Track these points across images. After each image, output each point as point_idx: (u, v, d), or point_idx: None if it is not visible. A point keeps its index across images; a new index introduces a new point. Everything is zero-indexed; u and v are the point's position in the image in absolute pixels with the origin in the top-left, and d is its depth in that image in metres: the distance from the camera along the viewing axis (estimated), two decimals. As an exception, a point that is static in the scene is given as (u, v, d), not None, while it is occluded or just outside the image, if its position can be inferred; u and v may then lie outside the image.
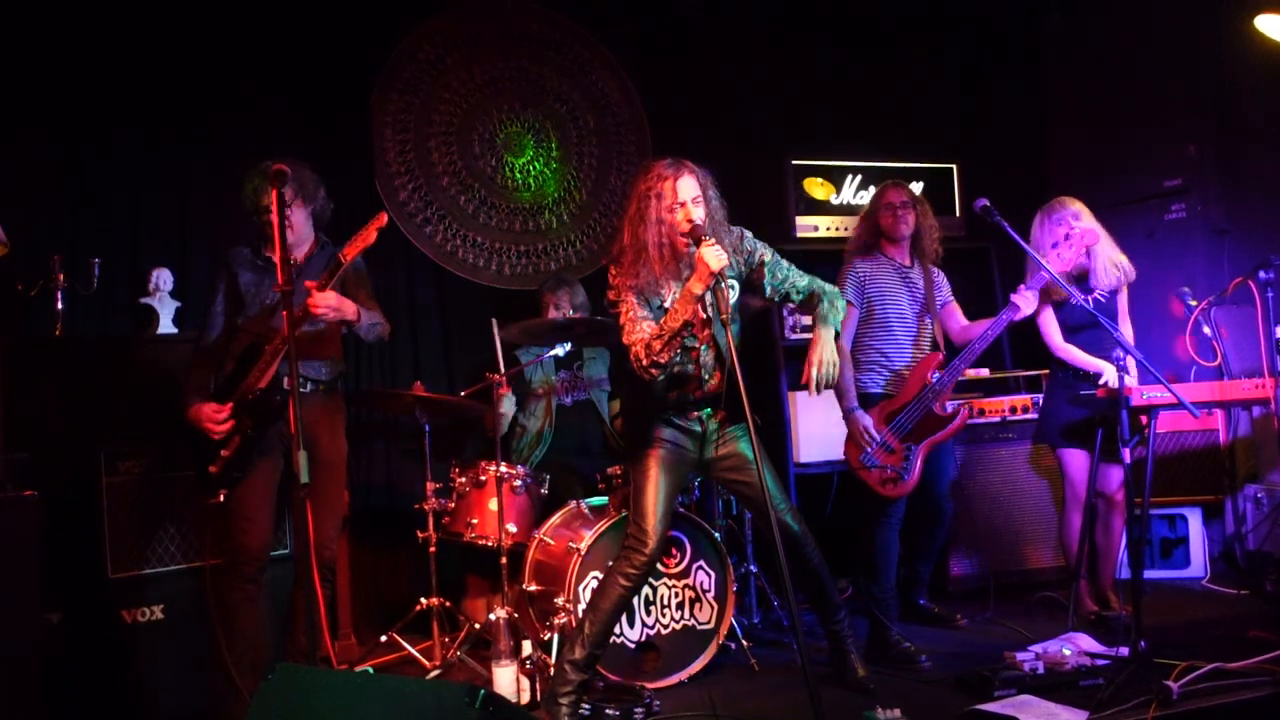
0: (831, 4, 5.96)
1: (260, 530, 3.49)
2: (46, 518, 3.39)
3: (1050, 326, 4.37)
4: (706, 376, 3.48)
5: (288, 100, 4.90)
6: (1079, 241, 4.19)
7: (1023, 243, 3.84)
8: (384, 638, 4.25)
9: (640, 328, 3.33)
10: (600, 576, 3.92)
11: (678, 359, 3.42)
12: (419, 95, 5.27)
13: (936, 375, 4.19)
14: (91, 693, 3.60)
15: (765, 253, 3.52)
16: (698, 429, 3.53)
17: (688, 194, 3.33)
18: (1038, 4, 6.18)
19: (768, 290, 3.54)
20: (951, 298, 4.47)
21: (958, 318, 4.45)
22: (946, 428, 4.17)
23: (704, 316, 3.33)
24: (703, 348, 3.45)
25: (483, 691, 2.06)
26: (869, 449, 4.16)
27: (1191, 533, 5.11)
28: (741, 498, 3.86)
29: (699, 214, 3.33)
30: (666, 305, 3.39)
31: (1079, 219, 4.28)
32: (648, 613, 3.91)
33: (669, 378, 3.45)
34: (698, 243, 3.22)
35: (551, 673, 3.66)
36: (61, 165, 4.50)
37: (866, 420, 4.20)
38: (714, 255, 3.17)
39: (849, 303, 4.26)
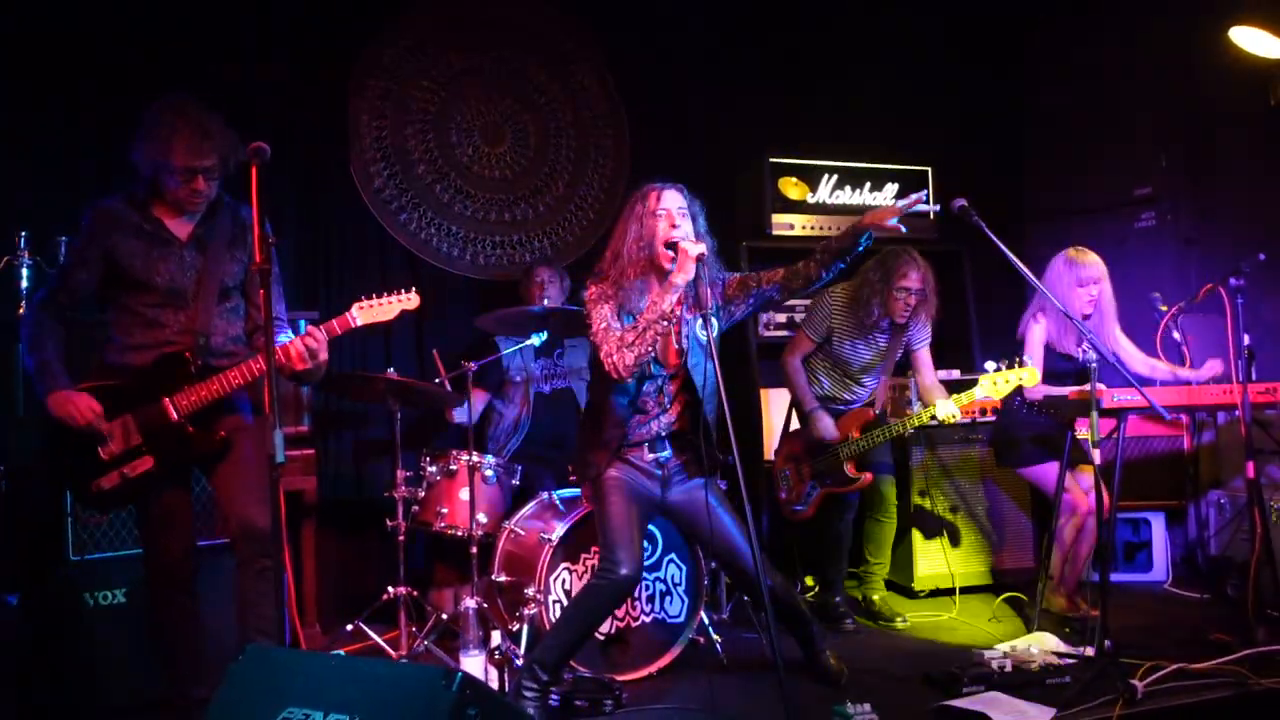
0: (811, 5, 5.97)
1: (184, 532, 3.19)
2: (9, 498, 3.34)
3: (1036, 358, 4.32)
4: (667, 404, 3.45)
5: (265, 83, 4.84)
6: (1093, 305, 4.32)
7: (1000, 245, 3.85)
8: (350, 626, 4.19)
9: (612, 334, 3.30)
10: (570, 568, 3.91)
11: (643, 386, 3.39)
12: (397, 81, 5.22)
13: (856, 436, 4.38)
14: (51, 675, 3.52)
15: (738, 278, 3.49)
16: (656, 471, 3.49)
17: (671, 204, 3.35)
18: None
19: (753, 301, 3.47)
20: (924, 346, 4.52)
21: (925, 372, 4.52)
22: (846, 486, 4.42)
23: (678, 347, 3.35)
24: (666, 376, 3.43)
25: (459, 674, 2.04)
26: (785, 472, 4.57)
27: (1154, 537, 5.17)
28: (702, 545, 3.79)
29: (685, 226, 3.33)
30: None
31: (1099, 283, 4.32)
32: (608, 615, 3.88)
33: (627, 408, 3.41)
34: (675, 249, 3.22)
35: (519, 664, 3.65)
36: (29, 141, 4.42)
37: (828, 420, 4.44)
38: (691, 244, 3.18)
39: (807, 335, 4.52)
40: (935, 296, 4.42)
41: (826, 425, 4.41)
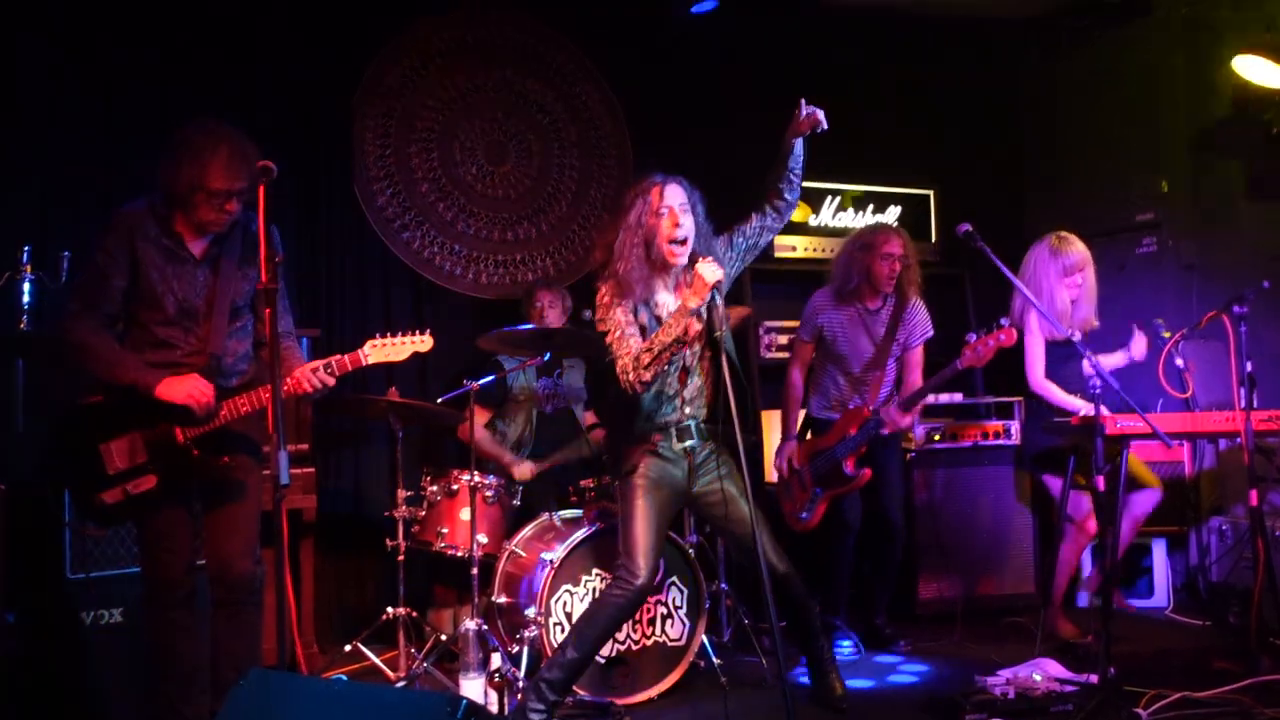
0: (814, 29, 5.99)
1: (183, 550, 3.14)
2: (7, 514, 3.32)
3: (1036, 358, 4.39)
4: (692, 395, 3.45)
5: (268, 100, 4.84)
6: (1080, 290, 4.36)
7: (1005, 269, 3.87)
8: (348, 647, 4.16)
9: (627, 344, 3.30)
10: (572, 590, 3.89)
11: (667, 371, 3.39)
12: (401, 100, 5.23)
13: (853, 433, 4.35)
14: (47, 695, 3.49)
15: (724, 238, 3.52)
16: (684, 460, 3.48)
17: (675, 200, 3.34)
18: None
19: (743, 251, 3.52)
20: (920, 342, 4.51)
21: (912, 370, 4.50)
22: (847, 485, 4.37)
23: (698, 329, 3.31)
24: (692, 357, 3.42)
25: (465, 701, 2.02)
26: (787, 483, 4.54)
27: (1156, 563, 5.15)
28: (725, 534, 3.80)
29: (687, 222, 3.33)
30: (659, 313, 3.38)
31: (1085, 270, 4.35)
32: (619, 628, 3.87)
33: (654, 398, 3.41)
34: (693, 262, 3.23)
35: (521, 685, 3.62)
36: (32, 155, 4.42)
37: (788, 452, 4.53)
38: (710, 270, 3.18)
39: (801, 340, 4.56)
40: (918, 266, 4.46)
41: (786, 455, 4.55)
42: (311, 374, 3.12)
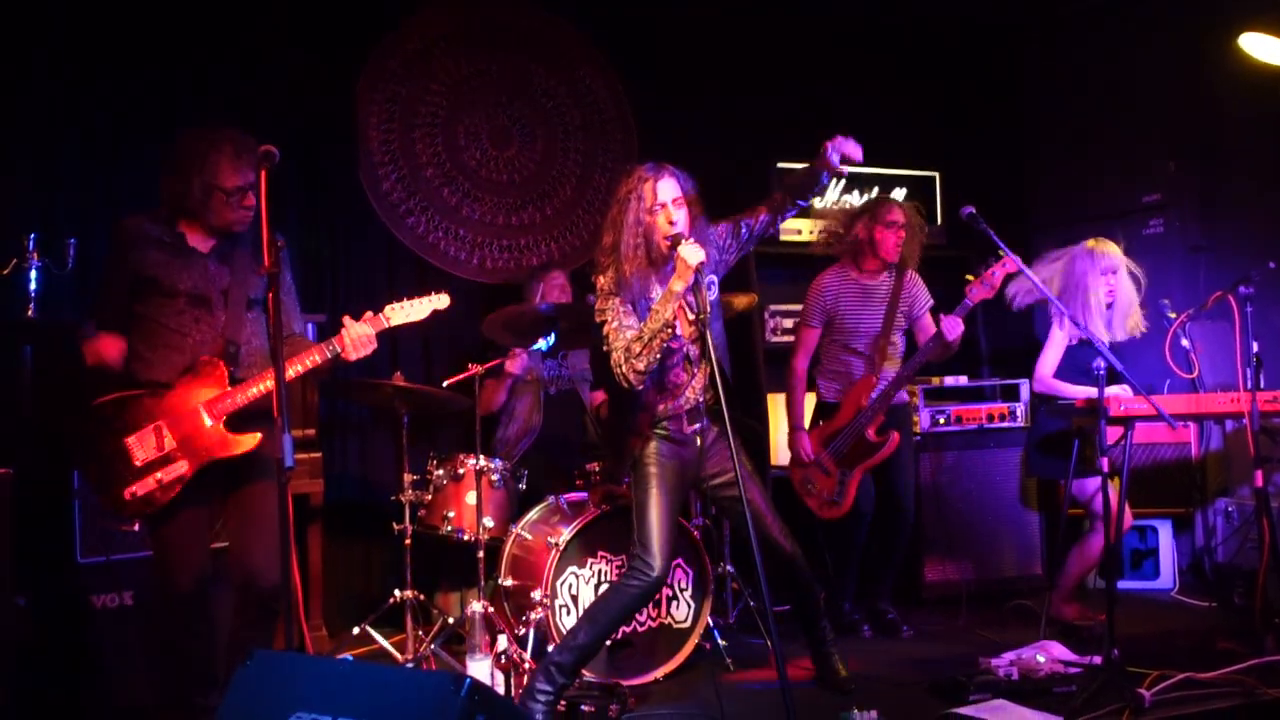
0: (817, 11, 5.97)
1: (196, 561, 3.10)
2: (17, 500, 3.34)
3: (1050, 354, 4.40)
4: (698, 379, 3.45)
5: (272, 85, 4.84)
6: (1114, 292, 4.37)
7: (1009, 251, 3.86)
8: (356, 630, 4.20)
9: (621, 336, 3.31)
10: (577, 573, 3.91)
11: (667, 362, 3.39)
12: (405, 85, 5.23)
13: (868, 400, 4.33)
14: (59, 678, 3.53)
15: (728, 225, 3.53)
16: (695, 443, 3.48)
17: (668, 195, 3.32)
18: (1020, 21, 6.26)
19: (745, 240, 3.54)
20: (925, 310, 4.51)
21: (929, 332, 4.48)
22: (877, 454, 4.34)
23: (691, 317, 3.31)
24: (688, 344, 3.43)
25: (468, 680, 2.03)
26: (808, 479, 4.44)
27: (1161, 544, 5.16)
28: (733, 515, 3.82)
29: (680, 216, 3.31)
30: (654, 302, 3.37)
31: (1117, 271, 4.36)
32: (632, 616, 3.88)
33: (657, 383, 3.42)
34: (676, 245, 3.23)
35: (527, 668, 3.65)
36: (39, 143, 4.44)
37: (805, 444, 4.44)
38: (692, 252, 3.17)
39: (810, 326, 4.52)
40: (922, 233, 4.48)
41: (803, 445, 4.45)
42: (354, 329, 3.14)
